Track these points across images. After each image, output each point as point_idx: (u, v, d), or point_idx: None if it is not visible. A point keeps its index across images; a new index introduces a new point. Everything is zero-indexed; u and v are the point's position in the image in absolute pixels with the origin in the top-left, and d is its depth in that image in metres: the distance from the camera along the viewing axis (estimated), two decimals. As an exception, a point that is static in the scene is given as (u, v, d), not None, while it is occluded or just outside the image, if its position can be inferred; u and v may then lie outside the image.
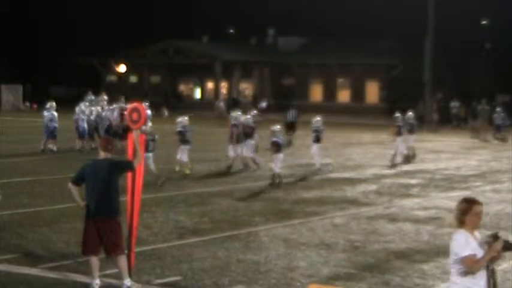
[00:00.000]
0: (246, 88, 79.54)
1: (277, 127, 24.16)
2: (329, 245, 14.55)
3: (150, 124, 24.62)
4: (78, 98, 48.93)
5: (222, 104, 58.09)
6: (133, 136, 11.41)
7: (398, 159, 29.68)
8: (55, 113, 31.36)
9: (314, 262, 13.23)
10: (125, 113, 11.78)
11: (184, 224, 16.31)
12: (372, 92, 73.84)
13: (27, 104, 33.77)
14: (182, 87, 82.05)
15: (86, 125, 31.70)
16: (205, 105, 69.65)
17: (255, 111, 30.26)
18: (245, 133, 26.58)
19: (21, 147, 32.12)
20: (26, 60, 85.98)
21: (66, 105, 34.55)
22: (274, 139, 23.52)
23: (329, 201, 20.18)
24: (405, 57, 69.75)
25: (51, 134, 30.95)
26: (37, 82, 79.74)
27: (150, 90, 78.00)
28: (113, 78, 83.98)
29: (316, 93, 76.33)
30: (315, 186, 22.87)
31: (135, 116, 11.52)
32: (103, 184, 10.87)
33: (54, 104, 32.01)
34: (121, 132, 28.81)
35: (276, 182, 22.77)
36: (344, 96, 74.97)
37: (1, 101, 65.63)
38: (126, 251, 11.27)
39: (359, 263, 13.37)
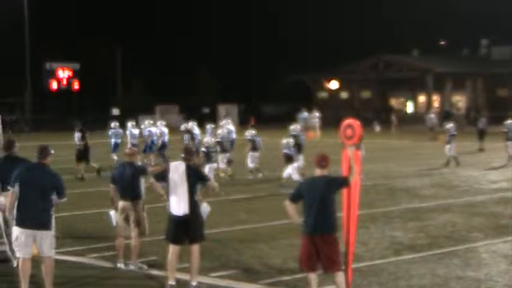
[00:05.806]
0: (459, 100, 77.98)
1: (290, 140, 25.56)
2: (554, 262, 13.92)
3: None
4: (290, 115, 49.60)
5: (433, 117, 57.15)
6: (348, 152, 11.41)
7: None
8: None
9: (538, 279, 12.70)
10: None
11: (401, 240, 16.10)
12: None
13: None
14: (393, 102, 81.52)
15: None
16: (418, 118, 68.89)
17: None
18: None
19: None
20: (239, 80, 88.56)
21: (278, 123, 35.01)
22: (285, 151, 25.23)
23: (552, 215, 19.31)
24: None
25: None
26: (250, 101, 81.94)
27: (361, 106, 78.24)
28: (324, 94, 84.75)
29: (534, 103, 73.62)
30: (536, 200, 21.99)
31: (349, 132, 11.52)
32: (320, 201, 10.92)
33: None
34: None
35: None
36: None
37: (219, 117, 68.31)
38: (343, 268, 11.25)
39: None
